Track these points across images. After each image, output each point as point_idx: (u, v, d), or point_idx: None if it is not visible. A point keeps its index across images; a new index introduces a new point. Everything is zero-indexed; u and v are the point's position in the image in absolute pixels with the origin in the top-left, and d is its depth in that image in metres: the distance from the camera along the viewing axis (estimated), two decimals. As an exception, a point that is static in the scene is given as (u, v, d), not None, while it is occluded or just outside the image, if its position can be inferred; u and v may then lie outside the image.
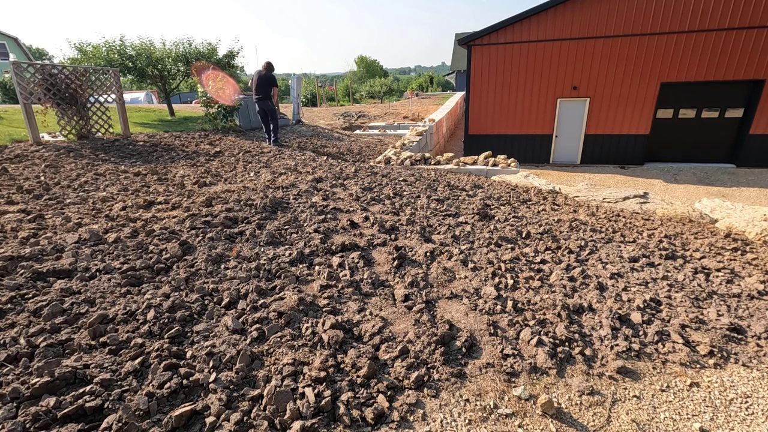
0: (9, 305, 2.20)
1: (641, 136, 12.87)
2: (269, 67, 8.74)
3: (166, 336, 2.06)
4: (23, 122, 7.89)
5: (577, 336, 2.29)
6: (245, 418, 1.61)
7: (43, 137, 7.69)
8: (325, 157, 8.18)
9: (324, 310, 2.39)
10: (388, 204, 4.49)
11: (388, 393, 1.82)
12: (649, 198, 5.70)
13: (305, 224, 3.71)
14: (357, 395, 1.78)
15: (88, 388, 1.65)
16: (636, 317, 2.48)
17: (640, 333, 2.36)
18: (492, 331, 2.28)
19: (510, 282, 2.86)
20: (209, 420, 1.57)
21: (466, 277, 2.92)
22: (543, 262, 3.30)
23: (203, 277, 2.69)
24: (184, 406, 1.62)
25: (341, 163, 7.48)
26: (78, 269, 2.63)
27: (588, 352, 2.17)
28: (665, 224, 4.61)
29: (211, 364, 1.87)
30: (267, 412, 1.63)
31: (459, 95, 26.29)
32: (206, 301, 2.41)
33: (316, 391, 1.75)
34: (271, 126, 8.84)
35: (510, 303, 2.55)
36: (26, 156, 6.11)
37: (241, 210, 3.91)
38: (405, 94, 31.17)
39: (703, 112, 12.57)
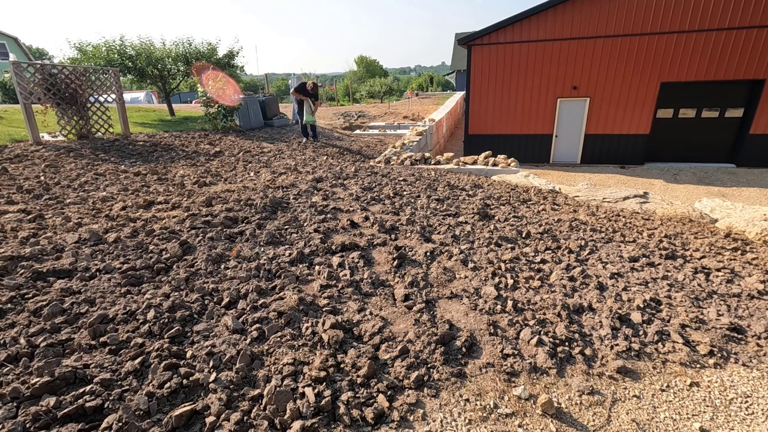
0: (9, 305, 2.20)
1: (641, 135, 12.86)
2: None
3: (166, 336, 2.06)
4: (23, 122, 7.88)
5: (577, 336, 2.29)
6: (245, 417, 1.61)
7: (43, 137, 7.69)
8: (325, 157, 8.18)
9: (324, 309, 2.39)
10: (388, 204, 4.49)
11: (388, 393, 1.82)
12: (649, 198, 5.69)
13: (305, 224, 3.71)
14: (357, 395, 1.78)
15: (88, 387, 1.65)
16: (636, 317, 2.48)
17: (640, 333, 2.36)
18: (492, 331, 2.28)
19: (510, 282, 2.86)
20: (209, 420, 1.57)
21: (466, 276, 2.92)
22: (543, 261, 3.30)
23: (203, 276, 2.69)
24: (184, 406, 1.62)
25: (341, 162, 7.48)
26: (78, 269, 2.64)
27: (588, 351, 2.17)
28: (665, 224, 4.61)
29: (211, 363, 1.87)
30: (267, 411, 1.63)
31: (459, 95, 26.27)
32: (206, 301, 2.41)
33: (316, 390, 1.75)
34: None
35: (510, 303, 2.55)
36: (26, 156, 6.11)
37: (241, 210, 3.91)
38: (405, 94, 31.15)
39: (703, 112, 12.56)
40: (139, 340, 1.98)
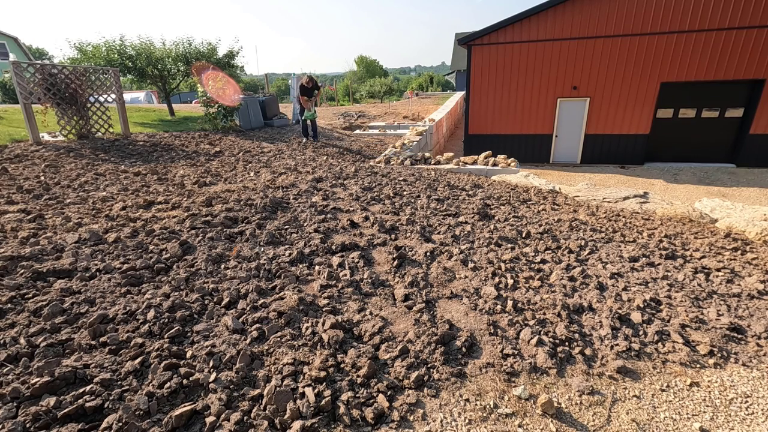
0: (9, 305, 2.20)
1: (641, 135, 12.86)
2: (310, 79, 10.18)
3: (166, 336, 2.06)
4: (23, 122, 7.88)
5: (577, 336, 2.29)
6: (245, 417, 1.61)
7: (43, 137, 7.68)
8: (325, 157, 8.18)
9: (324, 309, 2.39)
10: (388, 204, 4.49)
11: (388, 393, 1.82)
12: (649, 198, 5.69)
13: (305, 224, 3.71)
14: (357, 395, 1.78)
15: (88, 387, 1.65)
16: (636, 317, 2.48)
17: (640, 333, 2.36)
18: (492, 331, 2.28)
19: (510, 282, 2.86)
20: (209, 420, 1.57)
21: (466, 276, 2.92)
22: (543, 261, 3.30)
23: (203, 276, 2.69)
24: (184, 406, 1.62)
25: (341, 162, 7.48)
26: (78, 269, 2.63)
27: (588, 351, 2.17)
28: (665, 224, 4.61)
29: (211, 363, 1.87)
30: (267, 411, 1.63)
31: (459, 95, 26.26)
32: (206, 301, 2.41)
33: (316, 390, 1.75)
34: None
35: (510, 303, 2.55)
36: (26, 156, 6.11)
37: (241, 210, 3.91)
38: (405, 93, 31.15)
39: (703, 111, 12.56)
40: (139, 340, 1.98)
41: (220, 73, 10.36)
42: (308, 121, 10.08)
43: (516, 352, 2.12)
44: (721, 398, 1.93)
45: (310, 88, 9.95)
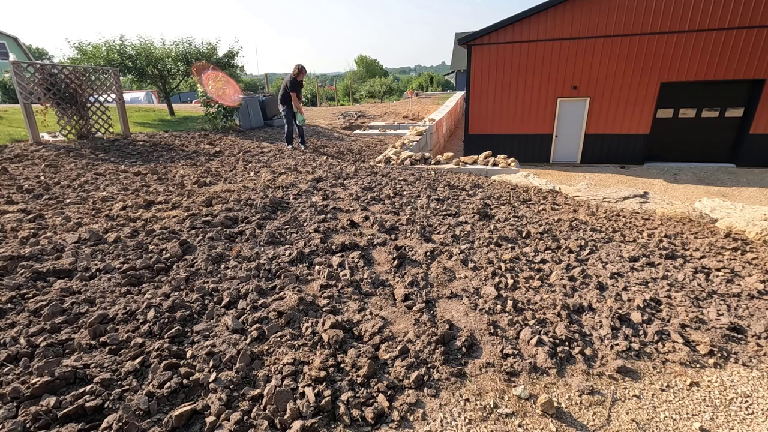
0: (9, 305, 2.20)
1: (641, 135, 12.87)
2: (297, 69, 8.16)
3: (166, 336, 2.06)
4: (23, 122, 7.88)
5: (577, 335, 2.29)
6: (245, 417, 1.61)
7: (43, 137, 7.68)
8: (325, 157, 8.17)
9: (324, 309, 2.39)
10: (388, 204, 4.49)
11: (388, 393, 1.82)
12: (649, 197, 5.69)
13: (305, 224, 3.71)
14: (357, 395, 1.78)
15: (88, 387, 1.65)
16: (636, 317, 2.48)
17: (640, 333, 2.36)
18: (492, 331, 2.28)
19: (510, 282, 2.86)
20: (209, 420, 1.57)
21: (466, 276, 2.92)
22: (543, 261, 3.30)
23: (203, 276, 2.69)
24: (184, 406, 1.62)
25: (341, 162, 7.47)
26: (78, 269, 2.63)
27: (588, 351, 2.17)
28: (665, 224, 4.60)
29: (211, 363, 1.87)
30: (267, 411, 1.63)
31: (459, 95, 26.26)
32: (206, 301, 2.41)
33: (316, 390, 1.75)
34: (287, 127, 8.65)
35: (510, 302, 2.55)
36: (26, 156, 6.11)
37: (241, 210, 3.91)
38: (405, 93, 31.15)
39: (703, 111, 12.57)
40: (139, 340, 1.97)
41: (220, 73, 10.35)
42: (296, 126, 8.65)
43: (516, 351, 2.12)
44: (721, 398, 1.93)
45: (301, 81, 8.31)
